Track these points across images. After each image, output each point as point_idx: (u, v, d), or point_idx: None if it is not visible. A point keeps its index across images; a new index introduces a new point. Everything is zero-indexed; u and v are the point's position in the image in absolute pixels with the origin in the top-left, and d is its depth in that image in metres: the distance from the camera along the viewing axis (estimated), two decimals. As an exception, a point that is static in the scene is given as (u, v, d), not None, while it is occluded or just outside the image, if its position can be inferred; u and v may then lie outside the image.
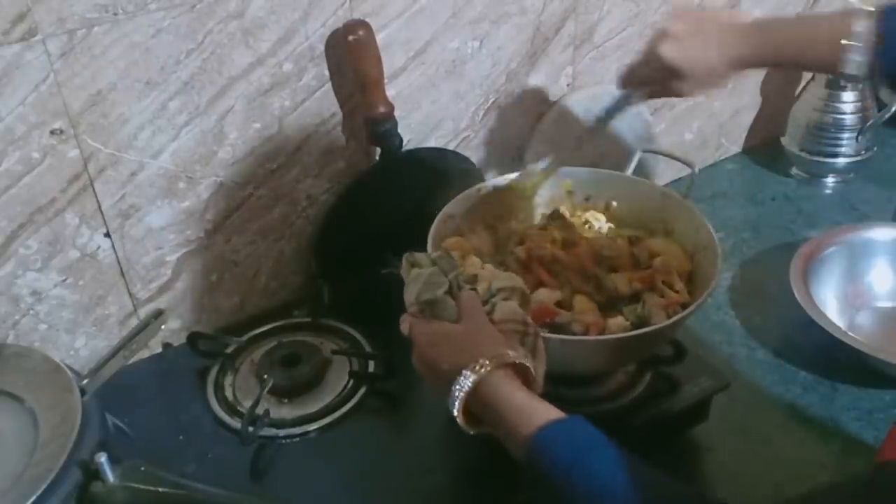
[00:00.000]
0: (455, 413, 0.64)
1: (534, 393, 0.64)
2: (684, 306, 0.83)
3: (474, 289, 0.74)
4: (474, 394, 0.63)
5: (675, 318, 0.79)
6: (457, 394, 0.63)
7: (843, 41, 0.76)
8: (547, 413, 0.61)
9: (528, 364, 0.65)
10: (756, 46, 0.83)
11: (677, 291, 0.86)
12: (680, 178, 1.29)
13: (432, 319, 0.70)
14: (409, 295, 0.71)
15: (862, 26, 0.75)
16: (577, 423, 0.60)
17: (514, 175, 0.99)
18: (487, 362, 0.63)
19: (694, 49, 0.84)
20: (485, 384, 0.63)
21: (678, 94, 0.89)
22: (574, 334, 0.80)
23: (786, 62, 0.91)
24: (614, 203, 0.99)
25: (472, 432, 0.65)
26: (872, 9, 0.76)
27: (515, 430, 0.60)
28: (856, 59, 0.76)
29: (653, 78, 0.89)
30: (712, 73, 0.85)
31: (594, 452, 0.58)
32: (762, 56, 0.85)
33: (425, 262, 0.73)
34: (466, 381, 0.63)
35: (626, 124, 1.23)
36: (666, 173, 1.30)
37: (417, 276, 0.71)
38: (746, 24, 0.85)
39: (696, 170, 0.98)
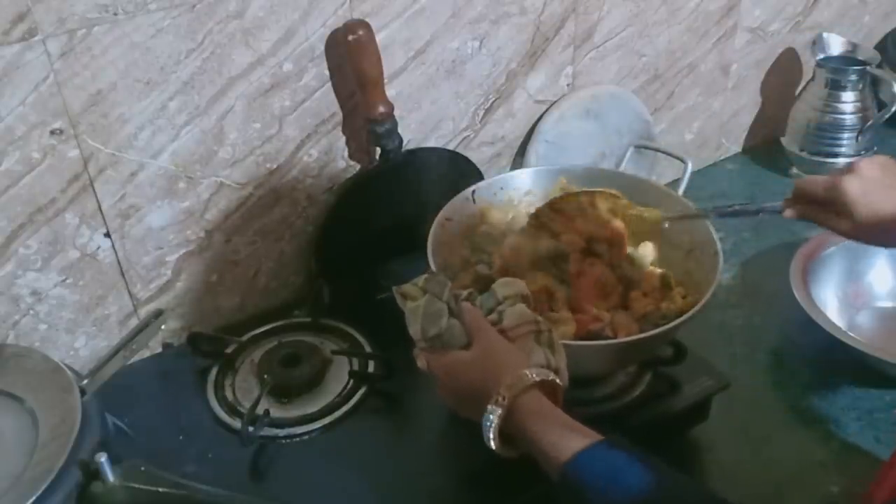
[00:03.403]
0: (492, 445, 0.64)
1: (560, 407, 0.64)
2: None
3: (469, 296, 0.73)
4: (505, 420, 0.63)
5: (678, 321, 0.79)
6: (488, 427, 0.63)
7: None
8: (577, 437, 0.61)
9: (549, 378, 0.65)
10: None
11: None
12: (679, 178, 1.29)
13: (444, 350, 0.70)
14: (414, 332, 0.70)
15: None
16: (611, 445, 0.60)
17: (505, 176, 0.99)
18: (508, 393, 0.63)
19: (876, 194, 0.75)
20: (512, 411, 0.63)
21: (834, 230, 0.79)
22: (606, 338, 0.81)
23: None
24: None
25: (512, 456, 0.65)
26: None
27: (548, 455, 0.61)
28: None
29: (818, 200, 0.79)
30: (881, 225, 0.75)
31: (631, 473, 0.57)
32: None
33: (416, 294, 0.72)
34: (494, 413, 0.63)
35: (627, 124, 1.23)
36: (666, 173, 1.30)
37: (415, 310, 0.70)
38: None
39: (689, 165, 0.98)
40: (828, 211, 0.78)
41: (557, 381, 0.66)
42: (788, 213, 0.82)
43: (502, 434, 0.64)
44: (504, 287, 0.74)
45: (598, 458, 0.59)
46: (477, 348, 0.68)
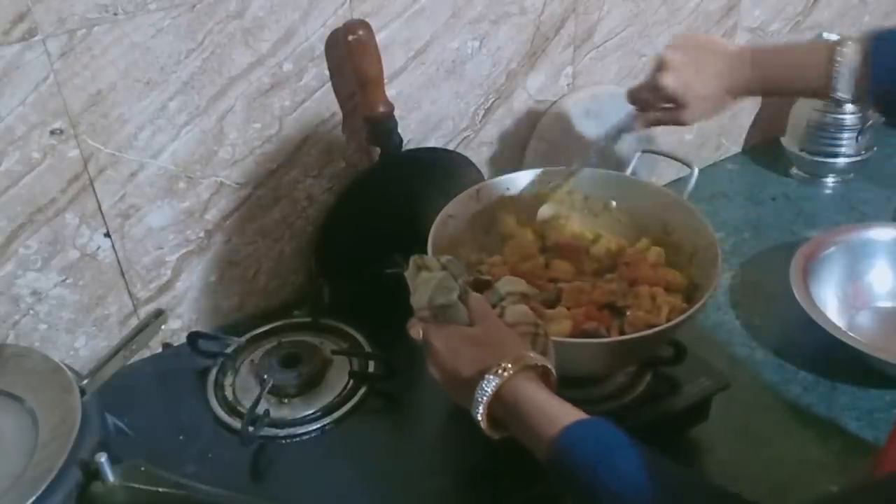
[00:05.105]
0: (479, 418, 0.63)
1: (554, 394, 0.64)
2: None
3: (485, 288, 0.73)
4: (497, 397, 0.63)
5: (676, 321, 0.79)
6: (480, 398, 0.63)
7: (832, 64, 0.79)
8: (571, 414, 0.60)
9: (548, 365, 0.65)
10: (749, 74, 0.86)
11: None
12: (680, 179, 1.29)
13: (444, 324, 0.69)
14: (420, 299, 0.70)
15: (849, 50, 0.78)
16: (602, 423, 0.60)
17: (510, 176, 1.00)
18: (510, 365, 0.62)
19: (692, 78, 0.86)
20: (508, 387, 0.62)
21: (680, 123, 0.90)
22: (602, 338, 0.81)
23: (777, 88, 0.91)
24: (613, 203, 0.99)
25: (495, 437, 0.64)
26: (856, 35, 0.79)
27: (540, 431, 0.60)
28: (844, 82, 0.79)
29: (654, 104, 0.91)
30: (711, 101, 0.87)
31: (621, 451, 0.57)
32: (755, 83, 0.87)
33: (435, 266, 0.72)
34: (489, 385, 0.62)
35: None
36: (666, 173, 1.30)
37: (428, 280, 0.70)
38: (738, 51, 0.87)
39: (696, 170, 0.99)
40: (668, 108, 0.88)
41: (553, 371, 0.65)
42: (638, 123, 0.92)
43: (489, 415, 0.63)
44: (507, 284, 0.74)
45: (587, 434, 0.59)
46: (480, 327, 0.68)
